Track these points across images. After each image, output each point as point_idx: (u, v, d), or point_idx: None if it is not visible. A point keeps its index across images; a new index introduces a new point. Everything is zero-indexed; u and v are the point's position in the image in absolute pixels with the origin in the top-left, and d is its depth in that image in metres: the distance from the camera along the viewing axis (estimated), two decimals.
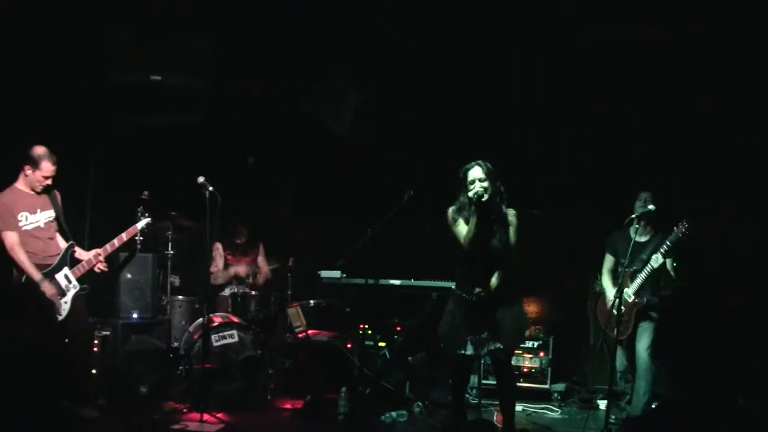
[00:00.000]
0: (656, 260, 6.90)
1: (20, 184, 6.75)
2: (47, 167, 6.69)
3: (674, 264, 7.03)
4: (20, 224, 6.65)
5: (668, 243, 6.83)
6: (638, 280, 7.05)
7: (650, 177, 7.60)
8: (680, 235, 6.75)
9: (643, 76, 8.16)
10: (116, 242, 7.01)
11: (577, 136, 8.54)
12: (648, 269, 6.96)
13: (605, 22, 7.89)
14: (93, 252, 6.95)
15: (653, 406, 7.10)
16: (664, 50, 7.99)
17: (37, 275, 6.60)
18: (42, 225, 6.79)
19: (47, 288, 6.62)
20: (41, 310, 6.62)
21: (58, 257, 6.79)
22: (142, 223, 7.21)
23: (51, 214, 6.87)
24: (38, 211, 6.78)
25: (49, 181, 6.75)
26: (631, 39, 7.97)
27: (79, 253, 7.00)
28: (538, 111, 8.55)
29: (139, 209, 7.31)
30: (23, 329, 6.58)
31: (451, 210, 6.28)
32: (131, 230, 7.12)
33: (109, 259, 7.16)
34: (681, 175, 7.98)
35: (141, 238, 7.42)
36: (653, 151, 8.23)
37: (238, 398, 7.36)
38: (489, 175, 6.10)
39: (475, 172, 6.12)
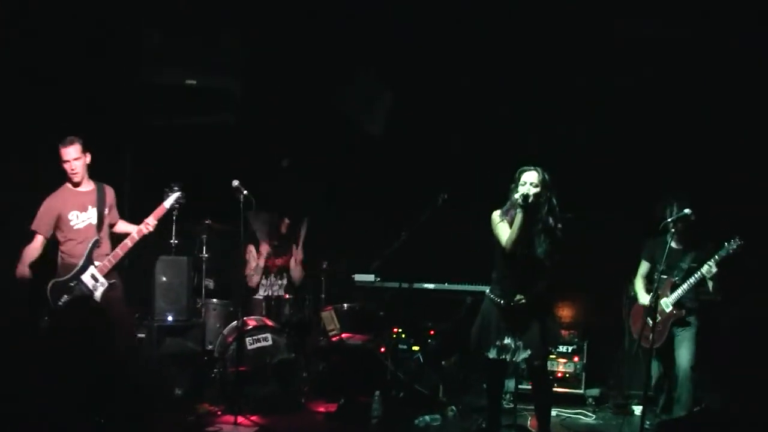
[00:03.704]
0: (709, 270, 6.84)
1: (68, 182, 6.80)
2: (62, 152, 6.68)
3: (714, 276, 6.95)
4: (72, 223, 6.69)
5: (721, 254, 6.79)
6: (680, 291, 7.00)
7: (686, 181, 7.55)
8: (732, 249, 6.74)
9: (679, 77, 8.15)
10: (143, 228, 6.84)
11: (611, 139, 8.51)
12: (693, 280, 6.92)
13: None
14: (122, 243, 6.87)
15: (695, 410, 7.05)
16: (702, 50, 7.97)
17: (22, 269, 6.62)
18: (94, 222, 6.80)
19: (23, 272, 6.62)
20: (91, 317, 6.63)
21: (83, 259, 6.74)
22: (170, 200, 7.02)
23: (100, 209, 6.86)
24: (89, 207, 6.79)
25: (71, 167, 6.69)
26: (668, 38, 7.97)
27: (123, 227, 7.06)
28: (573, 114, 8.54)
29: (166, 189, 7.10)
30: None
31: (497, 211, 6.29)
32: (158, 211, 6.94)
33: (144, 261, 7.20)
34: (716, 180, 7.92)
35: (174, 240, 7.38)
36: (689, 156, 8.16)
37: (271, 401, 7.37)
38: (542, 184, 6.08)
39: (529, 176, 6.11)
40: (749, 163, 7.95)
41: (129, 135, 8.68)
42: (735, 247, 6.75)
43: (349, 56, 8.95)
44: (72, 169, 6.71)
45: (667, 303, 7.05)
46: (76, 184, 6.80)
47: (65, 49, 7.92)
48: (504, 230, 6.19)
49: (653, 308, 6.72)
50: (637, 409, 7.69)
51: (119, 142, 8.52)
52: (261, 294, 8.48)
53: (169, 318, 7.69)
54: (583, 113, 8.53)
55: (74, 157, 6.69)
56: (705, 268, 6.87)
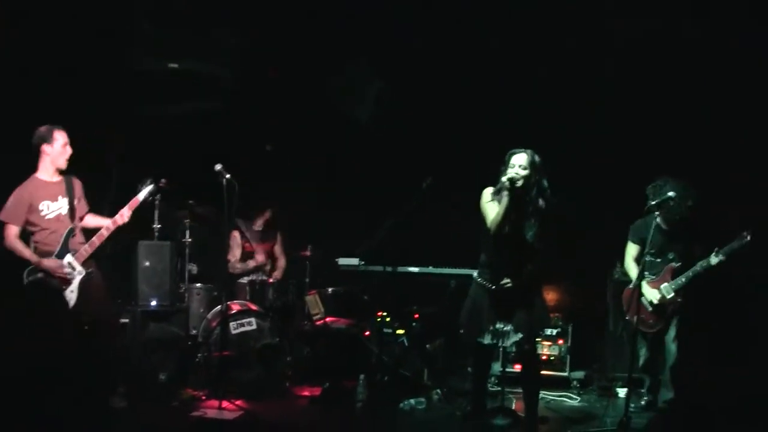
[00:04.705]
0: (719, 262, 6.85)
1: (40, 173, 6.69)
2: (60, 134, 6.63)
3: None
4: (42, 213, 6.59)
5: (733, 247, 6.80)
6: (683, 279, 6.99)
7: (673, 166, 7.57)
8: (739, 246, 6.76)
9: (668, 66, 8.21)
10: (118, 219, 6.72)
11: (596, 123, 8.51)
12: (698, 269, 6.92)
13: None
14: (98, 232, 6.77)
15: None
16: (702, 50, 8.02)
17: (34, 258, 6.53)
18: (65, 212, 6.71)
19: (49, 263, 6.52)
20: (50, 303, 6.59)
21: (59, 246, 6.64)
22: (144, 193, 6.89)
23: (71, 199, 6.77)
24: (59, 197, 6.69)
25: (69, 150, 6.66)
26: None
27: (93, 221, 6.95)
28: (560, 98, 8.54)
29: (141, 182, 6.97)
30: (39, 328, 6.56)
31: (489, 189, 6.23)
32: (132, 203, 6.81)
33: (126, 246, 7.15)
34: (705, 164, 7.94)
35: (157, 224, 7.34)
36: (677, 141, 8.19)
37: (256, 386, 7.36)
38: (532, 166, 6.02)
39: (518, 159, 6.06)
40: (749, 163, 7.97)
41: (117, 124, 8.60)
42: (745, 242, 6.76)
43: (340, 45, 8.92)
44: (70, 153, 6.68)
45: (668, 289, 7.03)
46: (49, 174, 6.71)
47: (55, 39, 7.88)
48: (492, 210, 6.15)
49: (639, 289, 6.75)
50: (622, 392, 7.71)
51: (107, 130, 8.46)
52: (245, 278, 8.45)
53: (153, 303, 7.65)
54: (581, 104, 8.53)
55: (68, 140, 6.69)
56: (713, 260, 6.86)
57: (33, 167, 6.74)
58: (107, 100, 8.40)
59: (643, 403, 7.33)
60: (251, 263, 8.58)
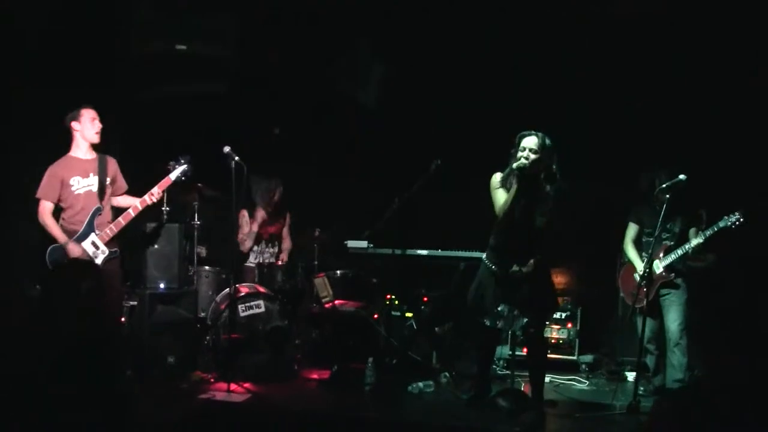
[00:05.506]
0: (705, 239, 6.88)
1: (73, 151, 6.73)
2: (86, 111, 6.67)
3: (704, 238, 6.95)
4: (73, 189, 6.61)
5: (720, 226, 6.80)
6: (673, 256, 7.05)
7: (675, 151, 7.55)
8: (730, 223, 6.75)
9: (669, 66, 8.19)
10: (148, 199, 6.74)
11: (603, 108, 8.46)
12: (688, 247, 6.97)
13: None
14: (124, 212, 6.79)
15: (688, 378, 7.08)
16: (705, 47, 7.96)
17: (63, 238, 6.53)
18: (95, 190, 6.70)
19: (72, 248, 6.53)
20: (68, 288, 6.58)
21: (84, 224, 6.65)
22: (176, 172, 6.86)
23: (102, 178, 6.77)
24: (90, 174, 6.71)
25: (99, 124, 6.69)
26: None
27: (125, 201, 6.96)
28: (567, 82, 8.47)
29: (172, 161, 6.92)
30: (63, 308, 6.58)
31: (498, 174, 6.18)
32: (164, 182, 6.81)
33: (135, 229, 7.14)
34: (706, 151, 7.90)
35: (166, 207, 7.31)
36: (679, 126, 8.16)
37: (264, 368, 7.36)
38: (542, 150, 5.95)
39: (529, 142, 5.99)
40: (749, 163, 7.94)
41: (121, 104, 8.59)
42: (734, 221, 6.74)
43: (342, 26, 8.87)
44: (100, 127, 6.72)
45: (658, 265, 7.11)
46: (83, 151, 6.73)
47: (58, 22, 7.87)
48: (500, 196, 6.11)
49: (648, 272, 6.77)
50: (631, 376, 7.71)
51: (111, 110, 8.45)
52: (253, 261, 8.46)
53: (161, 286, 7.64)
54: (585, 90, 8.48)
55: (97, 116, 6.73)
56: (701, 238, 6.88)
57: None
58: (109, 82, 8.39)
59: (651, 387, 7.32)
60: (254, 227, 8.49)
